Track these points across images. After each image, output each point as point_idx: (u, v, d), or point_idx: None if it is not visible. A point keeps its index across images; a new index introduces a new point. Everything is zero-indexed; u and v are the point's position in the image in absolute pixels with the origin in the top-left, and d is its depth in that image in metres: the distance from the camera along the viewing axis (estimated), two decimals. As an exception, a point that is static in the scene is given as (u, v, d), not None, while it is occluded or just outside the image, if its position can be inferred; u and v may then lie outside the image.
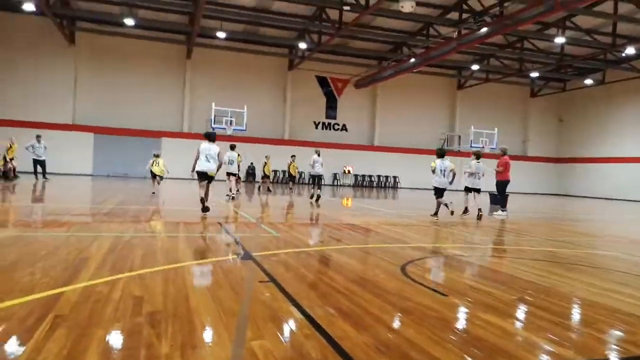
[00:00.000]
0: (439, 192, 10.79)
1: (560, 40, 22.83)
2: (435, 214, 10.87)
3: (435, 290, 4.08)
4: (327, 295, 3.77)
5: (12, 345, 2.54)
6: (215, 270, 4.45)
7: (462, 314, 3.52)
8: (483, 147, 30.62)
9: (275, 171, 28.48)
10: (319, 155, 15.83)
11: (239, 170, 15.09)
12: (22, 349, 2.50)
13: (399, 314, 3.40)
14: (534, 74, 28.75)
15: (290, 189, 19.93)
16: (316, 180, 15.20)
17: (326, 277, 4.44)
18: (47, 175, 18.97)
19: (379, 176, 31.20)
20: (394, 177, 31.29)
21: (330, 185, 29.76)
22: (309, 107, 30.00)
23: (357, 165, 30.65)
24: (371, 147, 31.16)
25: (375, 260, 5.43)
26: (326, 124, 30.50)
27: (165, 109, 27.31)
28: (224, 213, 10.18)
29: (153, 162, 16.14)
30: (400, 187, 31.02)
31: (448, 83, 32.85)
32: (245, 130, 26.38)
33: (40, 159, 18.57)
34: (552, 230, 10.03)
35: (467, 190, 11.90)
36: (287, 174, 20.84)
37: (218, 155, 9.47)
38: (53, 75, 25.42)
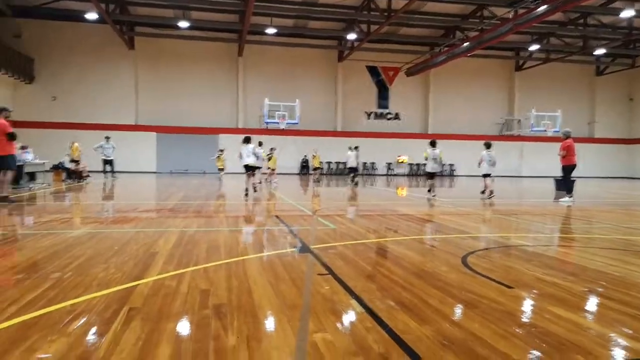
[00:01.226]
0: (431, 175, 13.10)
1: (628, 13, 21.25)
2: (429, 191, 13.08)
3: (500, 283, 3.93)
4: (387, 287, 3.73)
5: (93, 336, 2.72)
6: (275, 264, 4.49)
7: (529, 307, 3.38)
8: (545, 130, 29.22)
9: (328, 163, 28.68)
10: (351, 150, 18.45)
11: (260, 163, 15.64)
12: (102, 339, 2.67)
13: (462, 307, 3.31)
14: (599, 51, 26.97)
15: (354, 182, 19.29)
16: (351, 172, 18.60)
17: (385, 269, 4.40)
18: (115, 174, 20.10)
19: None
20: (450, 165, 30.53)
21: (384, 175, 29.51)
22: (361, 97, 29.79)
23: (412, 154, 30.17)
24: (425, 135, 30.52)
25: (434, 252, 5.35)
26: (378, 113, 30.16)
27: (220, 106, 28.00)
28: (280, 206, 10.38)
29: (218, 156, 18.53)
30: (457, 175, 30.23)
31: (505, 65, 31.49)
32: (298, 123, 26.65)
33: (109, 158, 19.69)
34: (624, 216, 9.42)
35: (485, 175, 13.05)
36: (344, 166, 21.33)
37: (254, 150, 12.79)
38: (116, 79, 26.77)
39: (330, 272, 4.19)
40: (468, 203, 11.71)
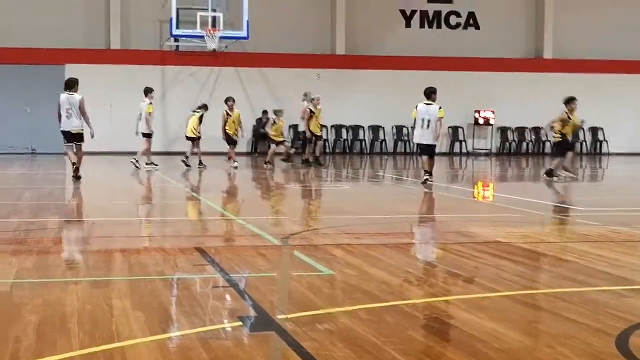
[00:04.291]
0: (424, 151, 17.18)
1: None
2: (427, 175, 16.77)
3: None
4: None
5: None
6: (196, 356, 4.48)
7: None
8: None
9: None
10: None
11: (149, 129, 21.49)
12: None
13: None
14: None
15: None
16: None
17: None
18: None
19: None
20: (593, 132, 30.76)
21: (445, 153, 29.64)
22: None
23: (505, 108, 30.29)
24: (536, 64, 30.64)
25: (556, 324, 5.41)
26: (430, 14, 30.51)
27: (72, 11, 28.06)
28: (208, 226, 10.41)
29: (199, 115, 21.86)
30: (609, 153, 30.38)
31: None
32: (248, 38, 26.55)
33: None
34: None
35: None
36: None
37: (80, 107, 16.29)
38: None
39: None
40: (634, 217, 11.93)
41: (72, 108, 16.07)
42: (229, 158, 21.31)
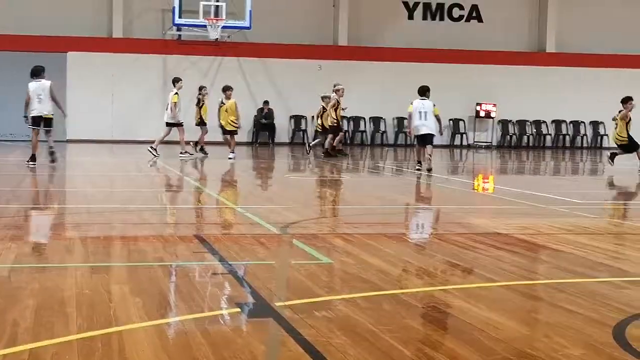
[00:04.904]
0: (422, 140, 18.31)
1: None
2: (421, 163, 18.21)
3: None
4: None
5: None
6: (191, 341, 4.49)
7: None
8: None
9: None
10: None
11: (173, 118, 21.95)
12: None
13: None
14: None
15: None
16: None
17: (443, 354, 4.40)
18: None
19: (556, 123, 30.86)
20: (594, 126, 30.89)
21: (446, 145, 29.63)
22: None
23: (507, 101, 30.32)
24: (538, 58, 30.55)
25: (554, 314, 5.41)
26: (433, 6, 30.51)
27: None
28: (208, 214, 10.67)
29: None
30: (610, 147, 30.32)
31: None
32: (250, 28, 26.64)
33: None
34: None
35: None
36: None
37: (50, 92, 17.30)
38: None
39: (318, 359, 4.22)
40: (635, 210, 12.12)
41: (43, 94, 17.15)
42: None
